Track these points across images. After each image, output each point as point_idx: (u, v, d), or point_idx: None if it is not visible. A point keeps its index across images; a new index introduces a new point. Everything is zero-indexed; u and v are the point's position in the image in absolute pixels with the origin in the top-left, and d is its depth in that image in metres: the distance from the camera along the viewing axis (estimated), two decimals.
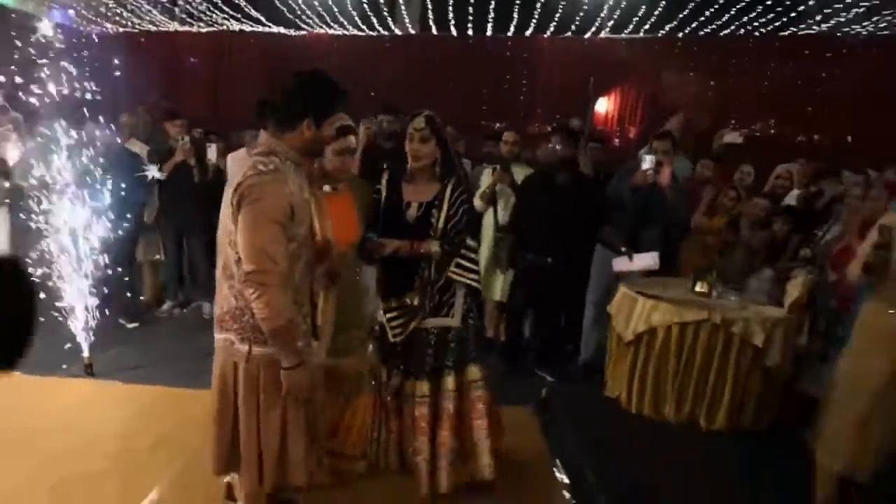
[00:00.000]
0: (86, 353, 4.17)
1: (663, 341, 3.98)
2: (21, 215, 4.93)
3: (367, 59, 10.61)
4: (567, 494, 3.18)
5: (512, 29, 10.29)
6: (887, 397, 2.71)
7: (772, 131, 9.90)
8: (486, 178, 4.87)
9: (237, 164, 5.01)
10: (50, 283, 4.16)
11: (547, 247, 4.48)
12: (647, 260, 4.39)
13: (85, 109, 4.46)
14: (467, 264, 3.03)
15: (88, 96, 4.40)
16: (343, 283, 2.78)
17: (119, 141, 5.13)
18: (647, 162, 4.23)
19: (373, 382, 3.12)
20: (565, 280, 4.58)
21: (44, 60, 4.28)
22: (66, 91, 4.33)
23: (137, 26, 10.88)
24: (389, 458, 3.17)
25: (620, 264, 4.48)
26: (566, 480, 3.29)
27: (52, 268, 4.16)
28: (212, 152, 5.15)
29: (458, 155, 3.09)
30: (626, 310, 4.17)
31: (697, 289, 4.21)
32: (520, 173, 4.84)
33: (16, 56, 4.61)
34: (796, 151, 7.03)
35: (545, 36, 10.54)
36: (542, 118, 10.81)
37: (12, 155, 5.14)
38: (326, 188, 2.87)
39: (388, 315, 3.04)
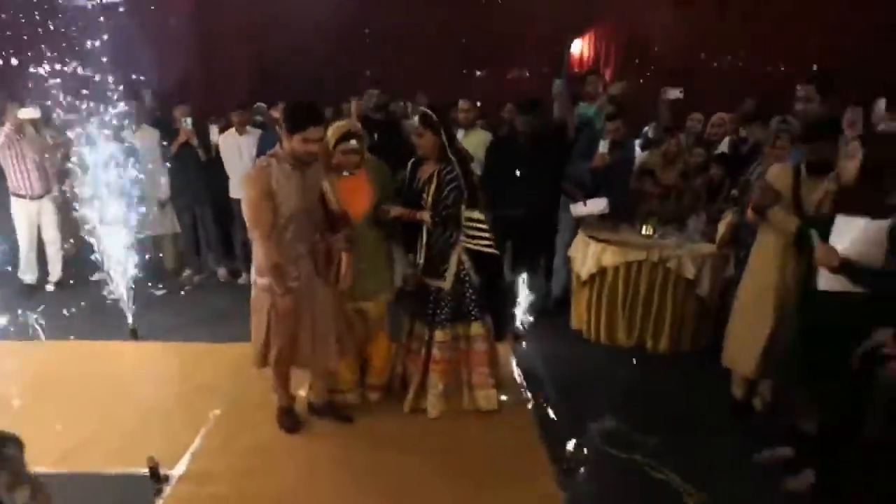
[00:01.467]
0: (130, 320, 5.00)
1: (612, 278, 4.80)
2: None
3: (354, 14, 10.94)
4: (530, 408, 4.05)
5: None
6: (763, 306, 3.58)
7: (740, 63, 10.41)
8: None
9: (227, 144, 5.81)
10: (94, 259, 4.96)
11: (515, 202, 5.25)
12: (599, 205, 5.19)
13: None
14: (475, 234, 3.76)
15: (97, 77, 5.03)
16: (363, 243, 3.60)
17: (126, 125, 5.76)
18: (603, 146, 5.01)
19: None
20: (535, 229, 5.36)
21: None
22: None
23: None
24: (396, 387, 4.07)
25: (577, 209, 5.28)
26: (530, 396, 4.18)
27: (95, 247, 4.93)
28: (213, 133, 5.85)
29: (454, 141, 3.77)
30: (582, 252, 4.97)
31: (643, 232, 4.99)
32: (475, 136, 5.68)
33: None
34: (753, 89, 7.61)
35: None
36: (522, 63, 11.39)
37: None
38: (345, 173, 3.62)
39: (408, 269, 3.90)
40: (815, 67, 7.66)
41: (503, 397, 4.07)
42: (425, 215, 3.68)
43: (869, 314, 2.79)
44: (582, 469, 3.41)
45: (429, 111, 3.69)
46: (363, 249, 3.64)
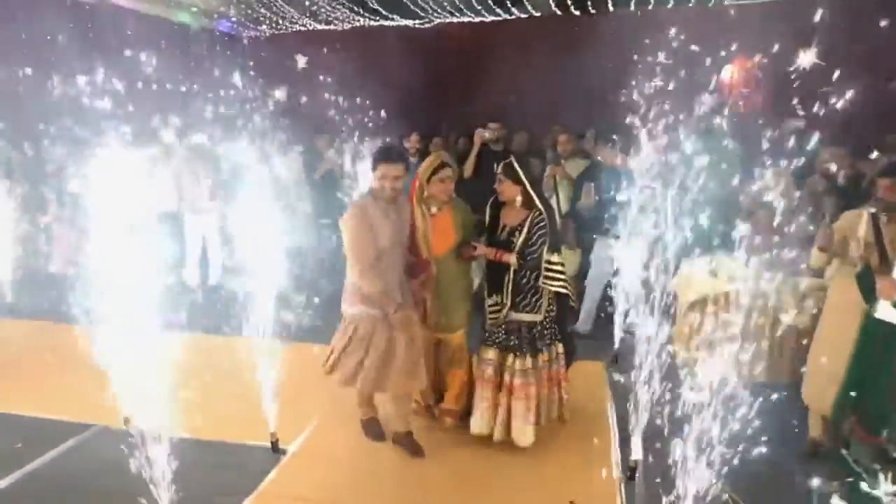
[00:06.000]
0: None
1: (712, 307, 5.09)
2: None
3: (493, 44, 11.71)
4: (614, 434, 4.48)
5: (633, 3, 11.06)
6: (841, 348, 3.80)
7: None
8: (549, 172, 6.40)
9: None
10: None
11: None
12: None
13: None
14: (553, 275, 4.14)
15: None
16: (445, 278, 4.18)
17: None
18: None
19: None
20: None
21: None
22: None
23: (287, 27, 12.74)
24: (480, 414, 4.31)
25: None
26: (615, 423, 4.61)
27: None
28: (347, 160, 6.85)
29: (539, 189, 4.17)
30: (686, 279, 5.31)
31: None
32: (573, 164, 6.30)
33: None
34: None
35: (667, 7, 11.18)
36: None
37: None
38: (433, 209, 4.16)
39: (489, 308, 4.28)
40: None
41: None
42: (512, 258, 4.07)
43: None
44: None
45: (513, 163, 4.10)
46: (444, 285, 4.22)
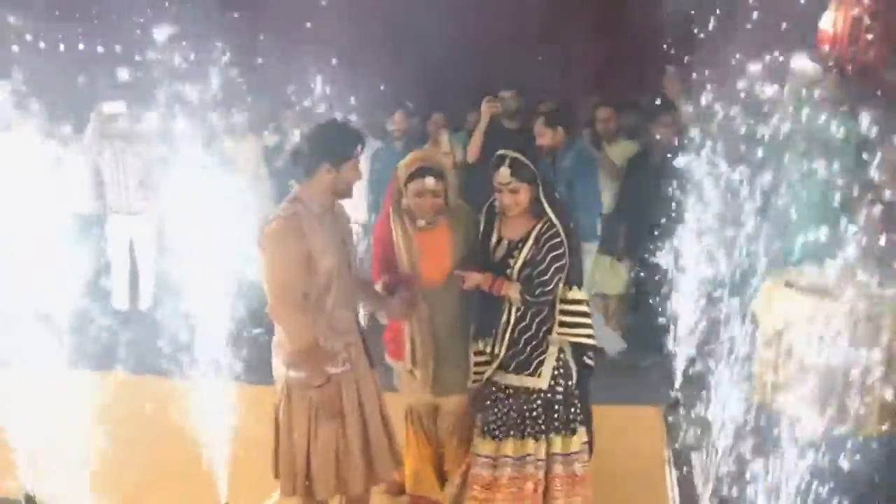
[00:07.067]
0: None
1: (803, 335, 5.02)
2: None
3: None
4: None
5: None
6: None
7: None
8: None
9: None
10: None
11: None
12: None
13: None
14: (573, 319, 3.68)
15: None
16: (440, 319, 3.80)
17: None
18: None
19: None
20: None
21: None
22: None
23: None
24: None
25: None
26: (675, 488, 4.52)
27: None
28: None
29: (551, 190, 3.71)
30: (767, 301, 5.25)
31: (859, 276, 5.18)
32: (618, 149, 6.21)
33: None
34: None
35: None
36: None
37: None
38: (420, 223, 3.74)
39: (474, 357, 3.87)
40: None
41: None
42: (513, 290, 3.61)
43: None
44: None
45: (521, 156, 3.56)
46: (441, 327, 3.82)
